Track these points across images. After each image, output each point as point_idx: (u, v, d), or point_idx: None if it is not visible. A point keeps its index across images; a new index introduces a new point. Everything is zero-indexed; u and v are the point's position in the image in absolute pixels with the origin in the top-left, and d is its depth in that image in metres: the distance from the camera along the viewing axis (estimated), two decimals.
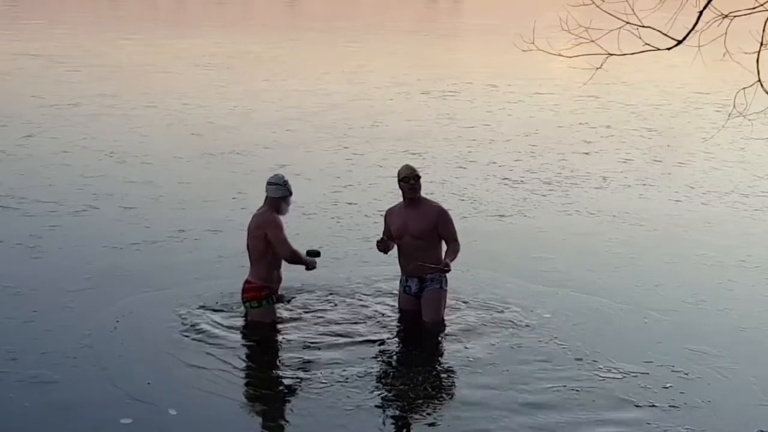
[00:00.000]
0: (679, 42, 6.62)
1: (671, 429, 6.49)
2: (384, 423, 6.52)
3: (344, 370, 7.17)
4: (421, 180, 7.96)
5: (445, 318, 8.08)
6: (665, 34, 6.53)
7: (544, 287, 9.12)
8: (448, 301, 8.20)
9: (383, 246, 8.03)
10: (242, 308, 8.23)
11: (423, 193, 8.06)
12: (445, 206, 8.24)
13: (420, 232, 7.87)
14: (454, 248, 7.95)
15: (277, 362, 7.44)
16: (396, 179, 8.04)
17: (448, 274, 7.98)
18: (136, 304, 8.28)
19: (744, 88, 6.91)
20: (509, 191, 12.91)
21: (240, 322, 8.03)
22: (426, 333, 7.89)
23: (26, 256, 9.57)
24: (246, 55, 27.45)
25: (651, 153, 15.90)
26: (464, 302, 8.49)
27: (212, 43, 30.04)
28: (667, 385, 7.11)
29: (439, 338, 7.84)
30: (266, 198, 7.99)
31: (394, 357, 7.54)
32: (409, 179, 7.92)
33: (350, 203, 11.94)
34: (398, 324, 8.06)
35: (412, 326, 7.98)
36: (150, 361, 7.24)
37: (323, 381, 7.00)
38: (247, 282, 7.93)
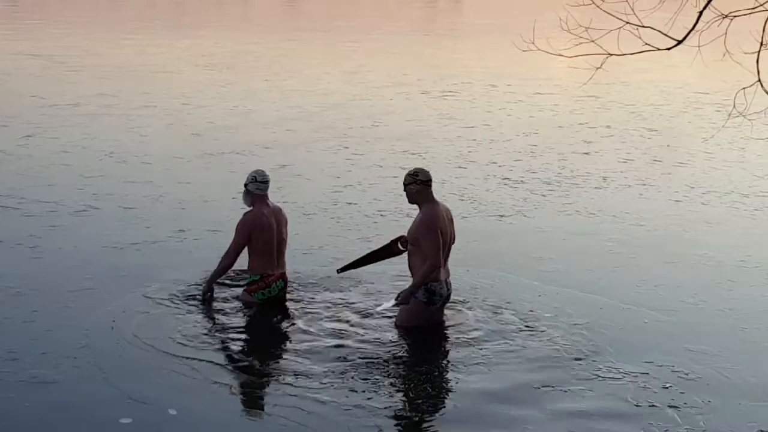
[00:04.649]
0: (679, 42, 6.63)
1: (671, 429, 6.50)
2: (384, 423, 6.52)
3: (344, 370, 7.17)
4: (410, 187, 7.75)
5: (446, 319, 8.09)
6: (665, 34, 6.54)
7: (544, 287, 9.12)
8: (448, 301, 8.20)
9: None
10: (242, 308, 8.25)
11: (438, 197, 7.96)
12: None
13: (411, 238, 7.81)
14: (421, 270, 7.61)
15: (278, 362, 7.45)
16: (401, 180, 8.01)
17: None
18: (136, 304, 8.28)
19: (744, 88, 6.91)
20: (509, 191, 12.91)
21: (240, 322, 8.04)
22: (425, 333, 7.89)
23: (26, 256, 9.57)
24: (246, 55, 27.43)
25: (651, 153, 15.89)
26: (464, 302, 8.49)
27: (212, 43, 30.02)
28: (667, 385, 7.11)
29: (439, 338, 7.83)
30: (264, 194, 8.32)
31: (394, 357, 7.53)
32: None
33: (350, 203, 11.93)
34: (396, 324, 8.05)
35: (410, 327, 7.98)
36: (150, 361, 7.24)
37: (323, 380, 7.00)
38: (284, 273, 8.42)
